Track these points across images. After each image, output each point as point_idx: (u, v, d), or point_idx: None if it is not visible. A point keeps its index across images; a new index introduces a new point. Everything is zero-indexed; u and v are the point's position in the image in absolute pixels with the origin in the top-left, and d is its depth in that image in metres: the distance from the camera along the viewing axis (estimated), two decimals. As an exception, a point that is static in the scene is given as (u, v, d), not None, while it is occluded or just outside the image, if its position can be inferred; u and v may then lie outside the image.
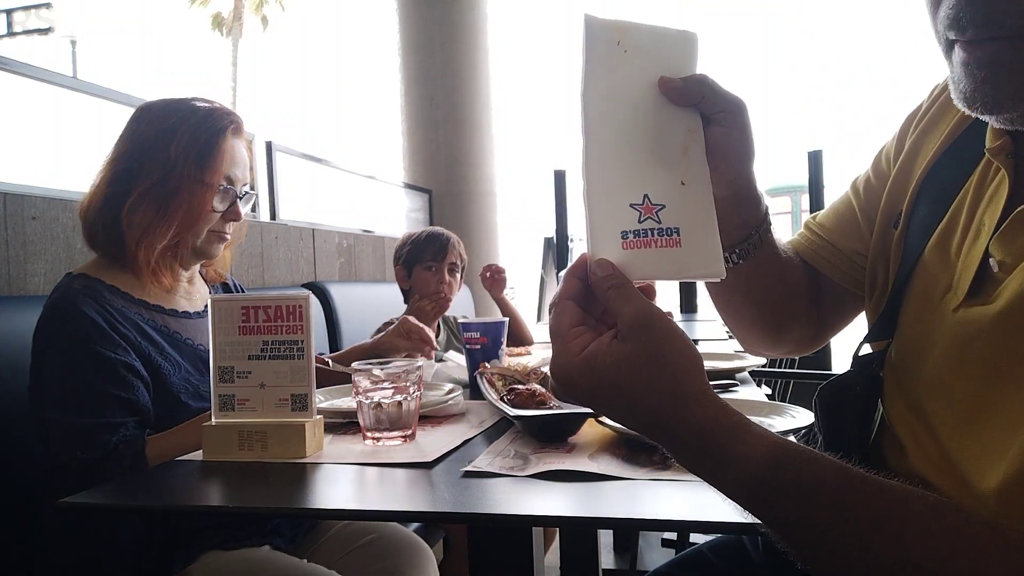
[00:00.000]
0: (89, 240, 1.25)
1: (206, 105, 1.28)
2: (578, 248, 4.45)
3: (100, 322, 1.12)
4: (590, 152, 0.58)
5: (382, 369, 0.97)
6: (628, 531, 2.41)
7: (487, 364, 1.33)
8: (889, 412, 0.73)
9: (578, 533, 1.57)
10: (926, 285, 0.69)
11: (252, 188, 1.36)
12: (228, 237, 1.33)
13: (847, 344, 0.91)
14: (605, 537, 2.49)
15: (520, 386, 1.10)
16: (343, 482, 0.86)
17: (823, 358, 3.01)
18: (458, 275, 2.21)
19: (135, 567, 1.12)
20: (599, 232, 0.57)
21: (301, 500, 0.82)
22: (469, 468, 0.82)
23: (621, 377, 0.52)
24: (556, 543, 2.08)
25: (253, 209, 1.41)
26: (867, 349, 0.79)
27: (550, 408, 1.01)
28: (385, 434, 0.96)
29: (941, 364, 0.64)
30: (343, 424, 1.12)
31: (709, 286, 0.85)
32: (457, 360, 1.62)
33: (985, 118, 0.58)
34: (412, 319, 1.49)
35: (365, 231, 3.48)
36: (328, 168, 3.55)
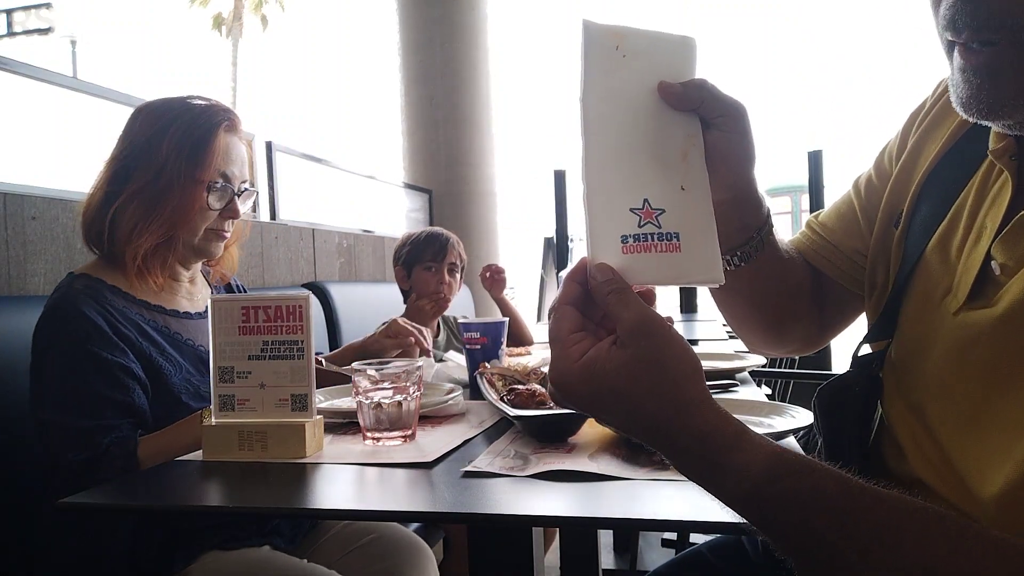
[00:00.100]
0: (88, 240, 1.25)
1: (201, 103, 1.28)
2: (578, 248, 4.45)
3: (100, 323, 1.12)
4: (590, 156, 0.58)
5: (380, 370, 0.97)
6: (628, 531, 2.41)
7: (487, 364, 1.33)
8: (889, 413, 0.73)
9: (578, 533, 1.57)
10: (926, 286, 0.68)
11: (252, 186, 1.36)
12: (227, 235, 1.33)
13: (847, 344, 0.91)
14: (605, 537, 2.49)
15: (520, 386, 1.10)
16: (343, 482, 0.86)
17: (823, 358, 3.01)
18: (458, 275, 2.21)
19: (135, 567, 1.12)
20: (599, 236, 0.57)
21: (301, 500, 0.82)
22: (469, 468, 0.82)
23: (621, 383, 0.51)
24: (556, 543, 2.08)
25: (253, 209, 1.41)
26: (867, 349, 0.78)
27: (550, 408, 1.01)
28: (385, 434, 0.96)
29: (941, 366, 0.64)
30: (343, 424, 1.12)
31: (711, 288, 0.85)
32: (457, 360, 1.62)
33: (983, 123, 0.57)
34: (401, 321, 1.47)
35: (365, 231, 3.48)
36: (328, 168, 3.55)
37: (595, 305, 0.56)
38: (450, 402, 1.15)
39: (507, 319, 1.57)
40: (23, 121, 1.88)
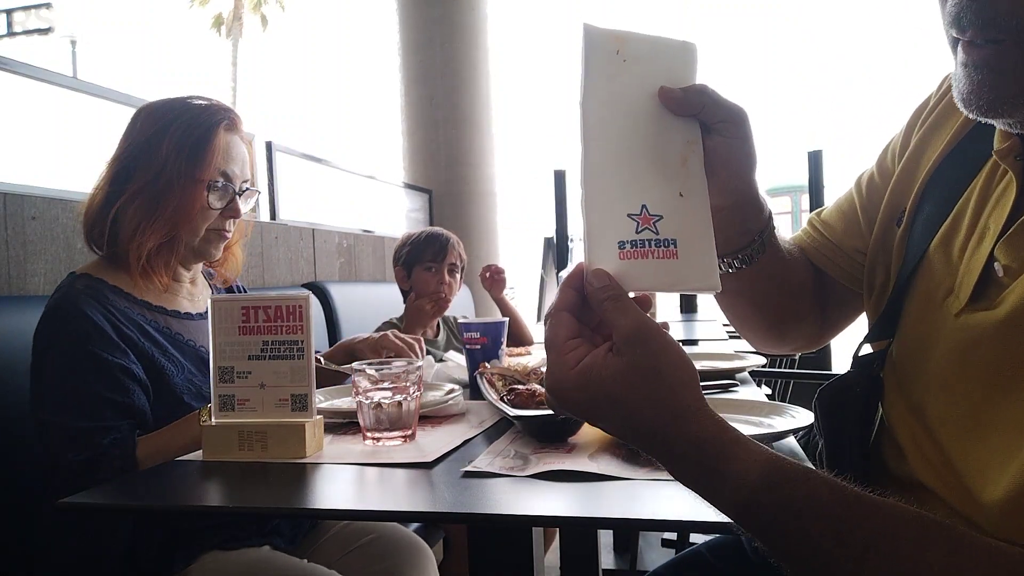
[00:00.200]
0: (89, 240, 1.25)
1: (201, 102, 1.28)
2: (578, 248, 4.45)
3: (102, 323, 1.12)
4: (589, 162, 0.58)
5: (380, 370, 0.97)
6: (628, 531, 2.41)
7: (487, 364, 1.33)
8: (889, 413, 0.72)
9: (578, 533, 1.57)
10: (928, 286, 0.68)
11: (254, 185, 1.36)
12: (229, 235, 1.33)
13: (847, 344, 0.91)
14: (605, 537, 2.49)
15: (520, 386, 1.10)
16: (343, 482, 0.86)
17: (823, 358, 3.01)
18: (458, 276, 2.21)
19: (135, 567, 1.12)
20: (596, 242, 0.57)
21: (301, 500, 0.82)
22: (469, 468, 0.82)
23: (617, 390, 0.51)
24: (556, 543, 2.08)
25: (252, 209, 1.41)
26: (867, 349, 0.78)
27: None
28: (385, 434, 0.96)
29: (943, 368, 0.63)
30: (343, 424, 1.12)
31: None
32: (457, 360, 1.62)
33: (983, 120, 0.57)
34: (393, 336, 1.45)
35: (365, 231, 3.48)
36: (328, 168, 3.55)
37: (592, 311, 0.56)
38: (450, 402, 1.15)
39: (507, 319, 1.57)
40: (23, 121, 1.88)
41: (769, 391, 2.87)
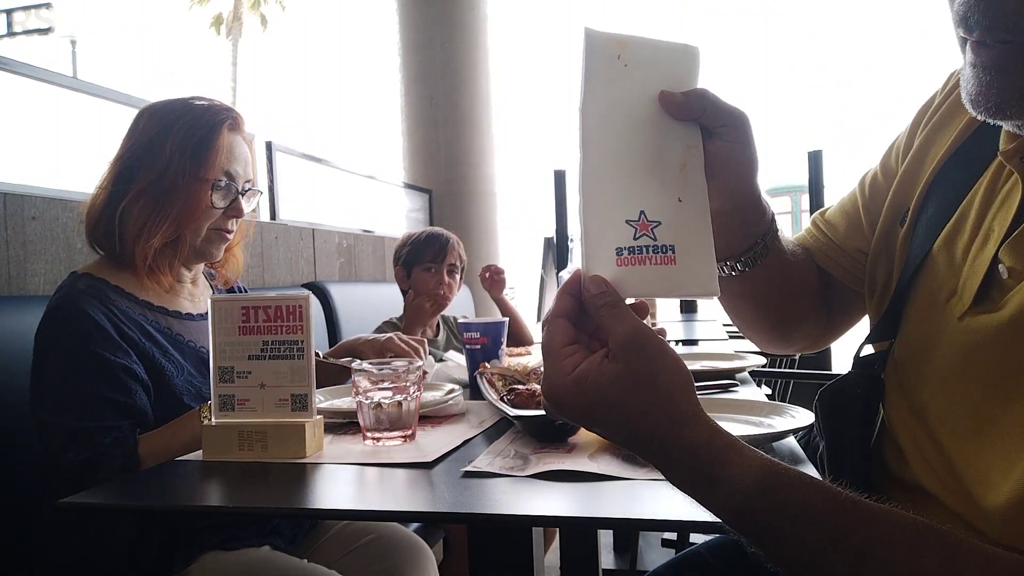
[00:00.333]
0: (92, 240, 1.25)
1: (204, 103, 1.28)
2: (578, 249, 4.43)
3: (103, 323, 1.12)
4: (587, 167, 0.58)
5: (381, 369, 0.97)
6: (628, 531, 2.41)
7: (487, 364, 1.33)
8: (890, 414, 0.72)
9: (578, 533, 1.57)
10: (931, 286, 0.68)
11: (256, 186, 1.36)
12: (231, 235, 1.33)
13: (847, 344, 0.91)
14: (605, 537, 2.49)
15: (520, 386, 1.10)
16: (343, 482, 0.86)
17: (823, 358, 3.01)
18: (457, 276, 2.21)
19: (135, 567, 1.12)
20: (594, 248, 0.57)
21: (301, 500, 0.82)
22: (469, 468, 0.82)
23: (612, 396, 0.52)
24: (556, 543, 2.08)
25: (253, 210, 1.41)
26: (869, 349, 0.78)
27: (550, 408, 1.01)
28: (385, 434, 0.96)
29: (945, 370, 0.63)
30: (343, 424, 1.12)
31: None
32: (457, 360, 1.62)
33: (990, 121, 0.56)
34: (398, 339, 1.44)
35: (365, 231, 3.48)
36: (328, 168, 3.55)
37: (589, 317, 0.56)
38: (450, 402, 1.15)
39: (507, 319, 1.57)
40: (23, 121, 1.88)
41: (769, 391, 2.87)
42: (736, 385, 1.33)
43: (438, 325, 2.26)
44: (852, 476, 0.72)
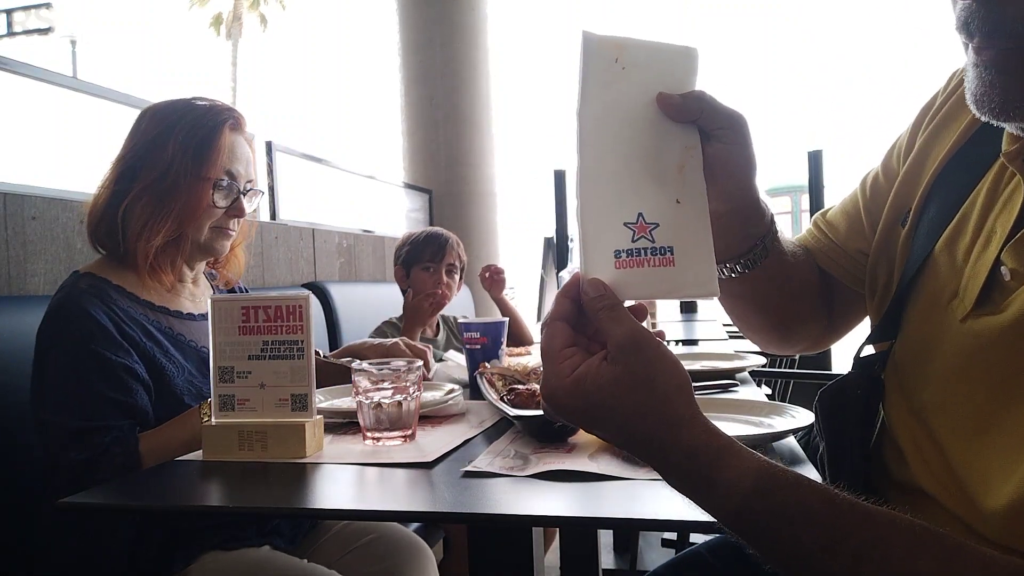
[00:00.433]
0: (93, 239, 1.26)
1: (206, 103, 1.29)
2: (578, 248, 4.43)
3: (105, 323, 1.12)
4: (584, 170, 0.58)
5: (381, 369, 0.97)
6: (628, 531, 2.41)
7: (487, 364, 1.33)
8: (890, 415, 0.72)
9: (578, 533, 1.57)
10: (933, 287, 0.67)
11: (257, 186, 1.36)
12: (233, 233, 1.33)
13: (847, 344, 0.91)
14: (605, 537, 2.49)
15: (520, 386, 1.10)
16: (343, 482, 0.86)
17: (823, 358, 3.01)
18: (457, 276, 2.21)
19: (135, 567, 1.12)
20: (592, 251, 0.57)
21: (301, 500, 0.82)
22: (469, 468, 0.82)
23: (610, 399, 0.52)
24: (556, 543, 2.08)
25: (254, 210, 1.41)
26: (869, 350, 0.78)
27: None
28: (385, 434, 0.96)
29: (946, 372, 0.63)
30: (343, 424, 1.12)
31: None
32: (457, 360, 1.62)
33: (994, 123, 0.56)
34: (404, 344, 1.45)
35: (365, 231, 3.48)
36: (328, 168, 3.55)
37: (587, 320, 0.56)
38: (450, 402, 1.15)
39: (507, 319, 1.57)
40: (23, 121, 1.88)
41: (769, 391, 2.87)
42: (736, 385, 1.33)
43: (438, 325, 2.26)
44: (852, 477, 0.72)
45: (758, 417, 0.97)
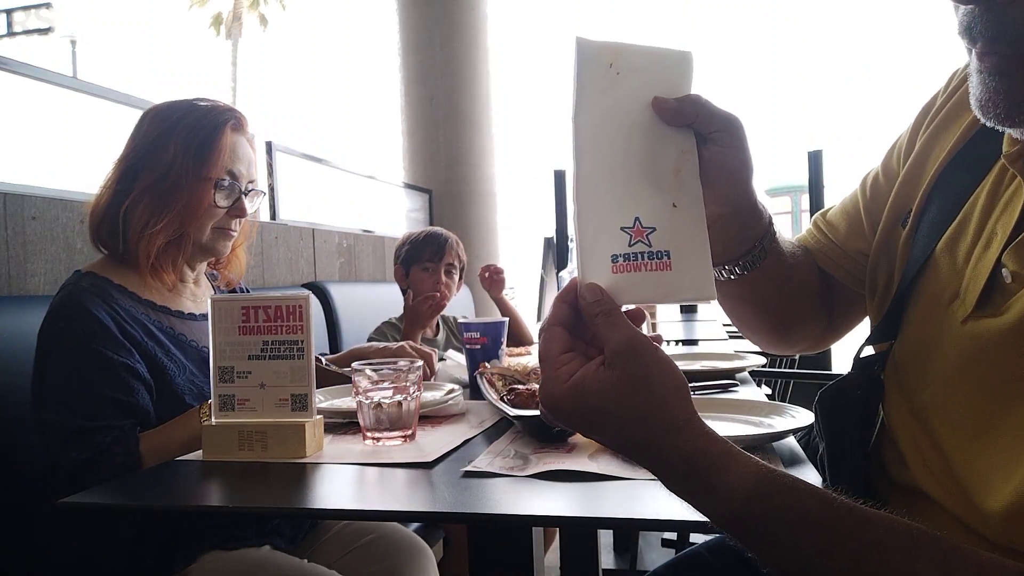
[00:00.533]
0: (95, 239, 1.26)
1: (207, 103, 1.29)
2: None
3: (107, 322, 1.12)
4: (581, 176, 0.58)
5: (380, 370, 0.97)
6: (628, 531, 2.41)
7: (487, 364, 1.33)
8: (890, 415, 0.72)
9: (578, 533, 1.57)
10: (934, 288, 0.67)
11: (259, 187, 1.36)
12: (234, 233, 1.34)
13: (847, 344, 0.91)
14: (605, 537, 2.49)
15: (520, 386, 1.10)
16: (343, 482, 0.86)
17: (823, 358, 3.01)
18: (456, 276, 2.21)
19: (135, 567, 1.12)
20: (589, 256, 0.57)
21: (301, 500, 0.82)
22: (469, 468, 0.82)
23: (608, 404, 0.52)
24: (556, 543, 2.08)
25: (255, 210, 1.41)
26: (869, 350, 0.78)
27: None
28: (385, 434, 0.96)
29: (947, 373, 0.63)
30: (343, 424, 1.12)
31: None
32: (457, 360, 1.62)
33: (998, 128, 0.56)
34: (409, 347, 1.45)
35: (365, 231, 3.48)
36: (328, 168, 3.55)
37: (585, 325, 0.56)
38: (450, 402, 1.15)
39: (507, 319, 1.57)
40: (23, 121, 1.88)
41: (769, 391, 2.87)
42: (736, 385, 1.33)
43: (438, 325, 2.26)
44: (852, 477, 0.72)
45: (758, 417, 0.97)
